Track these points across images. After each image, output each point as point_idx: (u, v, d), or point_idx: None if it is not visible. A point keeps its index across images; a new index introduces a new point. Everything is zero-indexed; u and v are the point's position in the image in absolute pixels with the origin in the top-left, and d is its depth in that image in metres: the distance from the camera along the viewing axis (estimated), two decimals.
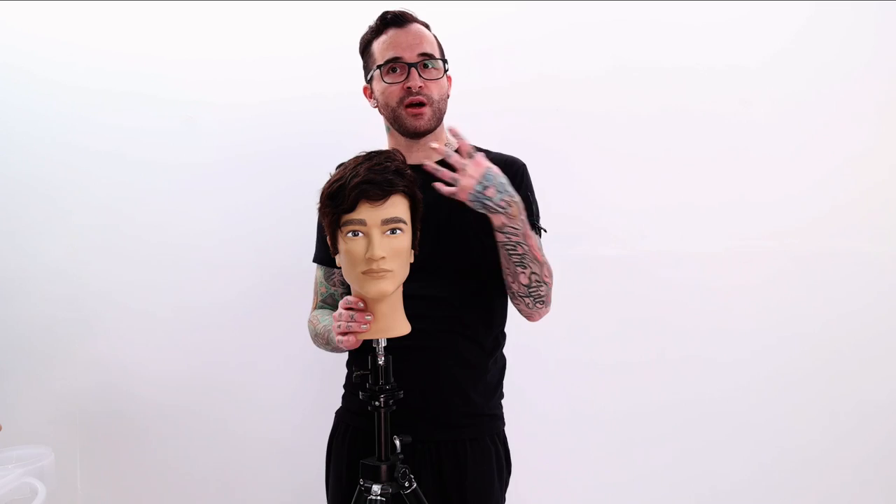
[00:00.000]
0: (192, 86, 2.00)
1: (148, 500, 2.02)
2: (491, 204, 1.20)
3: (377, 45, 1.40)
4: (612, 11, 2.04)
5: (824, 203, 2.08)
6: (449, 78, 1.44)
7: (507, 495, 1.46)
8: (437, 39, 1.43)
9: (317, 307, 1.49)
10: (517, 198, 1.24)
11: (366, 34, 1.43)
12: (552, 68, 2.03)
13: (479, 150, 1.47)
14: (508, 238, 1.26)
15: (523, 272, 1.30)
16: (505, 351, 1.50)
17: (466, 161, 1.20)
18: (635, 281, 2.06)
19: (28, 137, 1.98)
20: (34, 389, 1.98)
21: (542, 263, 1.33)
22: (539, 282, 1.33)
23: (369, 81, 1.44)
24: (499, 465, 1.41)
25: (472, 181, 1.18)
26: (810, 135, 2.08)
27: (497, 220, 1.24)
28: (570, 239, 1.99)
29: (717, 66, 2.06)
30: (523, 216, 1.26)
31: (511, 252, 1.28)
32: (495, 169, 1.22)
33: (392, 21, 1.38)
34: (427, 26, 1.43)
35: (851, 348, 2.10)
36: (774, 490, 2.09)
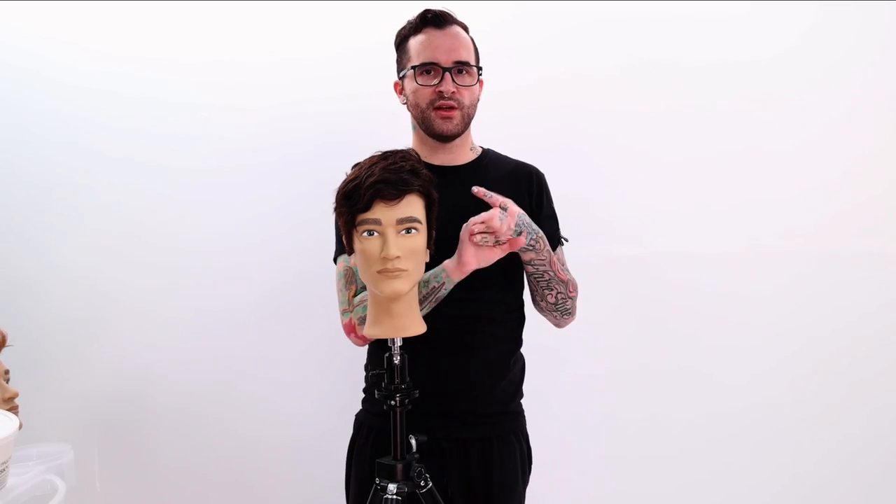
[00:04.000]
0: (207, 89, 2.01)
1: (166, 499, 2.04)
2: (523, 246, 1.28)
3: (413, 43, 1.38)
4: (627, 9, 2.03)
5: (844, 201, 2.06)
6: (481, 82, 1.43)
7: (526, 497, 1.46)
8: (473, 43, 1.41)
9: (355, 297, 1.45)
10: (541, 233, 1.32)
11: (403, 28, 1.41)
12: (567, 66, 2.03)
13: (500, 155, 1.48)
14: (536, 269, 1.35)
15: (550, 293, 1.40)
16: (522, 351, 1.50)
17: (501, 213, 1.24)
18: (649, 280, 2.05)
19: (45, 141, 1.99)
20: (53, 389, 2.00)
21: (567, 282, 1.40)
22: (564, 298, 1.41)
23: (401, 78, 1.42)
24: (522, 461, 1.43)
25: (509, 230, 1.24)
26: (828, 131, 2.06)
27: (526, 256, 1.33)
28: (585, 238, 1.98)
29: (732, 63, 2.05)
30: (548, 247, 1.33)
31: (538, 279, 1.38)
32: (523, 213, 1.29)
33: (432, 21, 1.37)
34: (465, 28, 1.41)
35: (872, 349, 2.07)
36: (793, 494, 2.07)
